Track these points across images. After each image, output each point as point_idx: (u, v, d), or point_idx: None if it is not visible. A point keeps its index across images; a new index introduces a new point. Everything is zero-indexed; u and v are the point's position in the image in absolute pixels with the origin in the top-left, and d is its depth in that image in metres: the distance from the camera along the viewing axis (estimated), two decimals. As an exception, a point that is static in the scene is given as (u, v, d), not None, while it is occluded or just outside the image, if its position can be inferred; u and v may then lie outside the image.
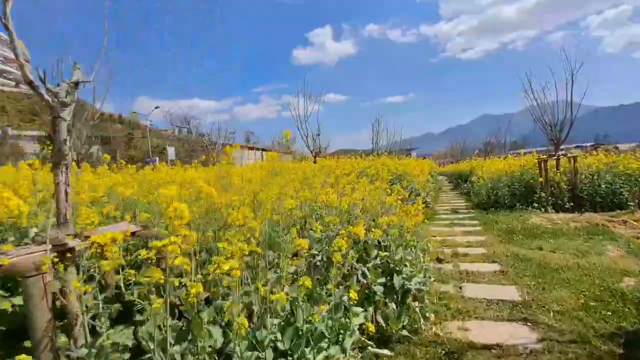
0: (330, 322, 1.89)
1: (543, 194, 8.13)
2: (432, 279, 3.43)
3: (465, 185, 13.62)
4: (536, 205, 8.18)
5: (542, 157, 9.16)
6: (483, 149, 28.47)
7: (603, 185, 7.81)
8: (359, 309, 2.28)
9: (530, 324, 2.71)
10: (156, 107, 35.55)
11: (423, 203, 4.30)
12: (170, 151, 28.21)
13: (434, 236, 5.85)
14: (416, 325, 2.65)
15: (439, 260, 4.56)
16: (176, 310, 1.61)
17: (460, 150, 37.90)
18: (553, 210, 7.97)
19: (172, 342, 1.43)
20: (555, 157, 8.57)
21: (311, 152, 14.16)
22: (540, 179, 8.24)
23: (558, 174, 8.28)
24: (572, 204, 7.96)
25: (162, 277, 1.23)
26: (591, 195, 7.91)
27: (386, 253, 2.74)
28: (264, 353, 1.55)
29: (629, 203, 7.29)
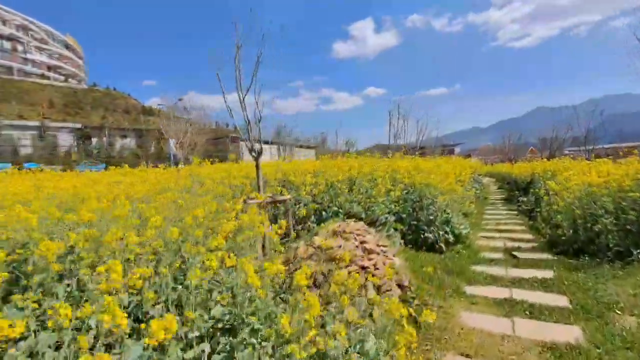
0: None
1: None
2: None
3: (524, 198, 9.54)
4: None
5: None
6: (539, 146, 23.15)
7: None
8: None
9: None
10: (179, 99, 34.50)
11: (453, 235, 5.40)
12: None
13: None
14: None
15: None
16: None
17: (514, 146, 32.11)
18: None
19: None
20: None
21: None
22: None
23: None
24: None
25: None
26: None
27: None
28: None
29: None
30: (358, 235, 3.95)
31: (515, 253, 5.33)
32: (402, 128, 16.18)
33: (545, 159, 15.26)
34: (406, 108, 17.80)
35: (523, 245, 5.82)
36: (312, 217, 5.30)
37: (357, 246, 3.68)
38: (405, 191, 6.11)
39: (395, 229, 5.68)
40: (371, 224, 5.26)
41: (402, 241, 5.56)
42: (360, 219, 5.24)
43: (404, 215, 5.83)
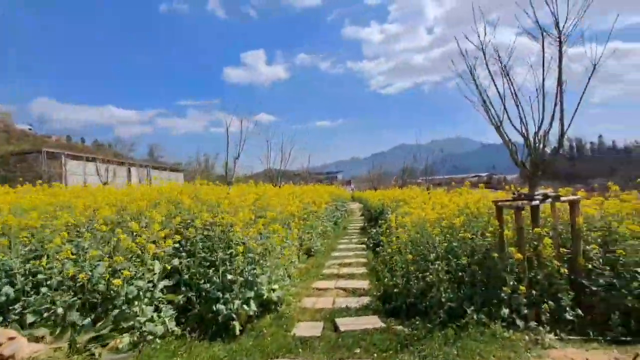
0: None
1: (521, 288, 3.53)
2: None
3: (374, 230, 8.85)
4: (506, 313, 3.56)
5: (502, 196, 4.80)
6: (400, 175, 25.69)
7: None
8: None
9: None
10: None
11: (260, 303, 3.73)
12: None
13: None
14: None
15: None
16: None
17: (378, 175, 35.38)
18: (547, 331, 3.41)
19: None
20: (530, 200, 4.15)
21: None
22: (513, 251, 3.68)
23: (543, 237, 3.82)
24: (575, 312, 3.52)
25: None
26: (608, 289, 3.57)
27: None
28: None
29: None
30: None
31: (338, 322, 3.80)
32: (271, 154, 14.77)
33: (398, 187, 16.06)
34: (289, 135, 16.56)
35: (354, 302, 4.43)
36: None
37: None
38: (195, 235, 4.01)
39: (169, 302, 3.49)
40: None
41: (174, 324, 3.38)
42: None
43: (187, 277, 3.70)
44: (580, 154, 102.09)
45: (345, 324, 3.75)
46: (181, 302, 3.57)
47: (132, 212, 4.42)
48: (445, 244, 4.26)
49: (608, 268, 3.65)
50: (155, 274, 3.41)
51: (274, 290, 4.02)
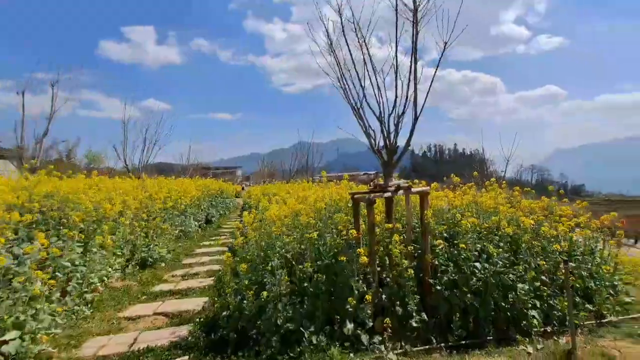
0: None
1: (367, 297, 2.93)
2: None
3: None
4: (350, 329, 2.91)
5: (359, 189, 4.29)
6: (289, 171, 25.45)
7: (480, 268, 3.34)
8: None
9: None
10: None
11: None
12: None
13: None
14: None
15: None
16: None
17: (274, 171, 34.64)
18: (392, 346, 2.88)
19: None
20: (383, 192, 3.67)
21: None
22: (361, 252, 3.07)
23: (392, 233, 3.35)
24: (421, 316, 3.14)
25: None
26: (452, 288, 3.33)
27: None
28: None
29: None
30: None
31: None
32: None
33: (286, 182, 15.37)
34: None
35: (167, 335, 3.17)
36: None
37: None
38: None
39: None
40: None
41: None
42: None
43: None
44: (442, 158, 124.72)
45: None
46: None
47: None
48: (293, 246, 3.42)
49: (452, 264, 3.42)
50: None
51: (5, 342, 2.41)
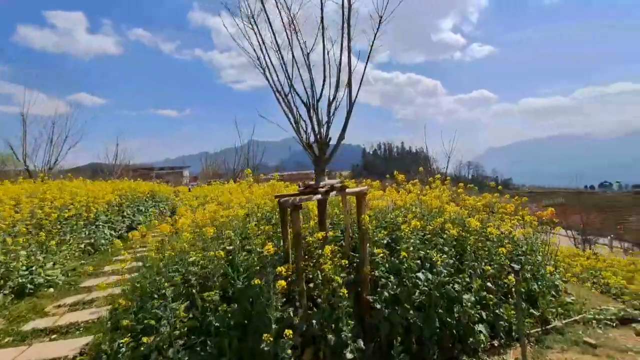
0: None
1: (287, 332, 2.30)
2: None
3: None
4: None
5: (288, 190, 3.67)
6: (232, 170, 24.05)
7: (423, 279, 2.89)
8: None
9: None
10: None
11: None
12: None
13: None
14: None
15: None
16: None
17: (216, 170, 32.78)
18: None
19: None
20: (314, 194, 3.06)
21: None
22: (280, 271, 2.44)
23: (324, 243, 2.77)
24: (357, 344, 2.60)
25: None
26: (393, 305, 2.85)
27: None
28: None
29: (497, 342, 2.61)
30: None
31: None
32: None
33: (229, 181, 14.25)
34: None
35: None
36: None
37: None
38: None
39: None
40: None
41: None
42: None
43: None
44: (390, 155, 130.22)
45: None
46: None
47: None
48: (198, 268, 2.67)
49: (392, 276, 2.93)
50: None
51: None
